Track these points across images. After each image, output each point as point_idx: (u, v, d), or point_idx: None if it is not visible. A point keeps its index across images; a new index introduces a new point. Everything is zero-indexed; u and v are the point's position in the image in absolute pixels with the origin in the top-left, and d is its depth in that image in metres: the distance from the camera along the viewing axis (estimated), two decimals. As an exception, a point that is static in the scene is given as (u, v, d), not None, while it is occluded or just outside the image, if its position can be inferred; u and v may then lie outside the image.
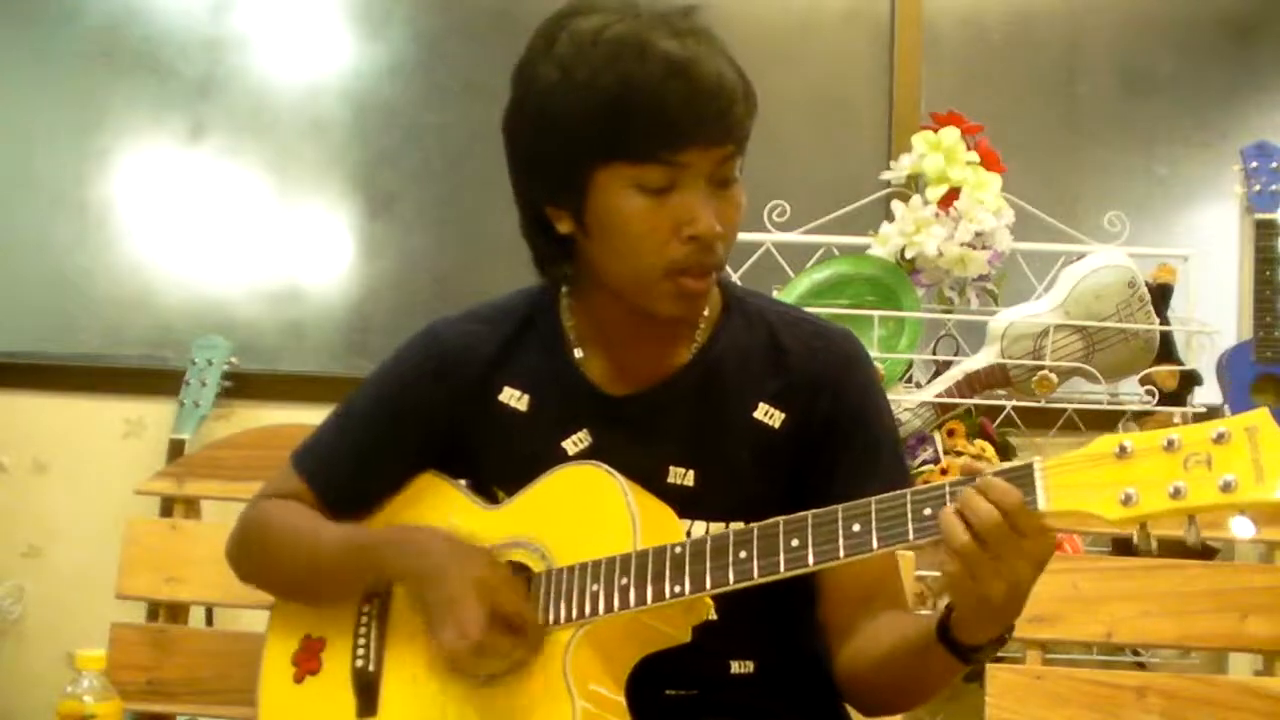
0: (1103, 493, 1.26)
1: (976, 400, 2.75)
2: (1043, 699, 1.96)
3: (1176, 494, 1.22)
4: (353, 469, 1.68)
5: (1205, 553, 2.58)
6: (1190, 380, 2.88)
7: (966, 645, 1.40)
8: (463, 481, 1.68)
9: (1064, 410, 2.83)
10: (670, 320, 1.56)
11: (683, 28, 1.48)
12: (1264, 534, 2.04)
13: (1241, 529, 1.22)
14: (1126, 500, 1.24)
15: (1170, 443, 1.24)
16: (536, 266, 1.63)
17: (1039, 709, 1.95)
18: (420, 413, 1.66)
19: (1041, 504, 1.28)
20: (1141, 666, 2.72)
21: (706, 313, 1.63)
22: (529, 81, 1.52)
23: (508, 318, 1.67)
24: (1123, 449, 1.26)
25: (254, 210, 3.42)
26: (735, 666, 1.60)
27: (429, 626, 1.51)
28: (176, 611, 2.16)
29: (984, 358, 2.74)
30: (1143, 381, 2.81)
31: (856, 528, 1.36)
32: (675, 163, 1.46)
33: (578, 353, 1.63)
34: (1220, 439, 1.22)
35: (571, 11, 1.52)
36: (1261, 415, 1.23)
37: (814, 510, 1.40)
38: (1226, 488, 1.21)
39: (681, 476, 1.58)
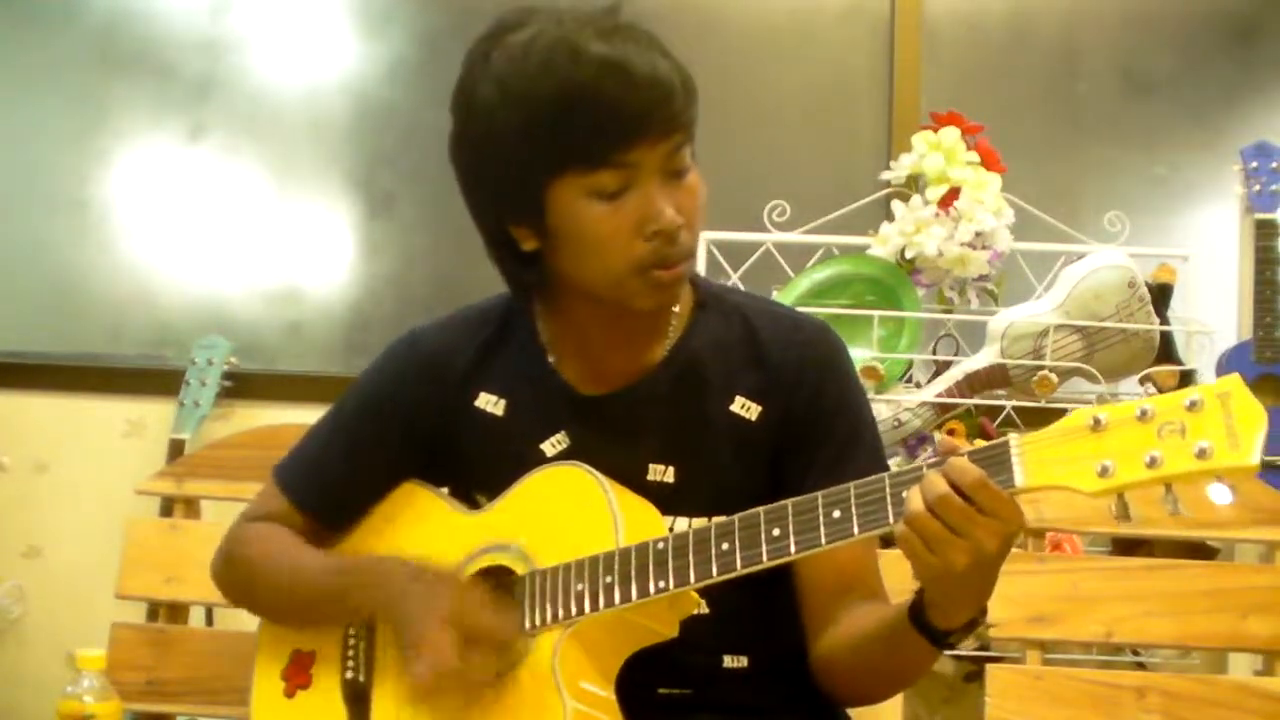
0: (1079, 466, 1.26)
1: (976, 400, 2.75)
2: (1043, 699, 1.96)
3: (1152, 463, 1.23)
4: (335, 480, 1.68)
5: (1205, 552, 2.58)
6: (1190, 380, 2.88)
7: (939, 628, 1.40)
8: (444, 490, 1.68)
9: (1064, 410, 2.81)
10: (646, 315, 1.57)
11: (609, 27, 1.48)
12: (1264, 534, 2.04)
13: (1219, 495, 1.22)
14: (1103, 472, 1.25)
15: (1144, 413, 1.24)
16: (506, 283, 1.63)
17: (1039, 709, 1.95)
18: (401, 419, 1.66)
19: (1019, 480, 1.29)
20: (1141, 666, 2.72)
21: (679, 309, 1.63)
22: (469, 105, 1.52)
23: (484, 323, 1.68)
24: (1097, 421, 1.26)
25: (254, 210, 3.42)
26: (728, 661, 1.60)
27: (407, 665, 1.51)
28: (176, 611, 2.16)
29: (984, 358, 2.74)
30: (1143, 381, 2.81)
31: (837, 514, 1.37)
32: (625, 163, 1.47)
33: (552, 356, 1.63)
34: (1193, 406, 1.23)
35: (500, 29, 1.51)
36: (1233, 381, 1.23)
37: (794, 499, 1.40)
38: (1202, 454, 1.21)
39: (661, 473, 1.59)
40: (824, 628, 1.58)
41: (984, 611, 1.41)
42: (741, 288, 2.62)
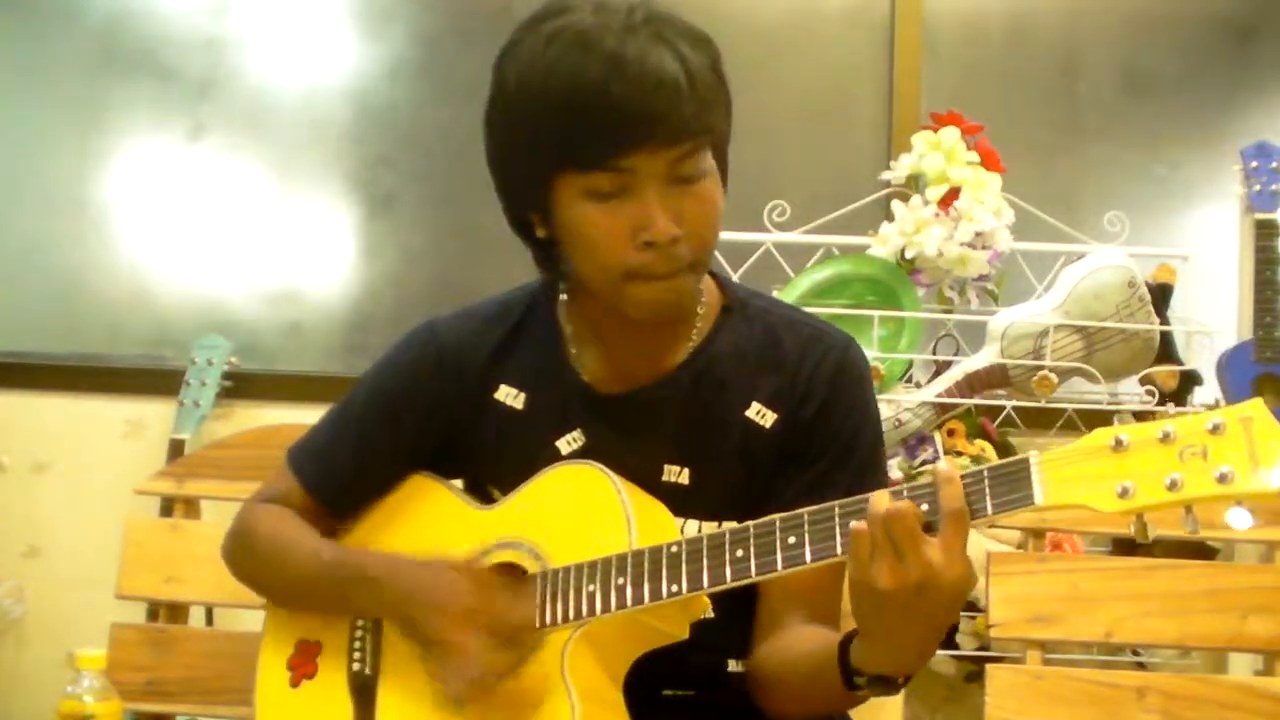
0: (1099, 486, 1.26)
1: (976, 400, 2.75)
2: (1043, 699, 1.96)
3: (1173, 486, 1.22)
4: (347, 466, 1.68)
5: (1205, 553, 2.59)
6: (1190, 380, 2.89)
7: (854, 666, 1.39)
8: (457, 482, 1.68)
9: (1064, 410, 2.83)
10: (653, 322, 1.56)
11: (632, 24, 1.44)
12: (1264, 534, 2.04)
13: (1238, 520, 1.22)
14: (1123, 493, 1.24)
15: (1166, 434, 1.24)
16: (536, 264, 1.63)
17: (1039, 709, 1.95)
18: (417, 409, 1.66)
19: (1039, 498, 1.28)
20: (1141, 666, 2.72)
21: (703, 311, 1.62)
22: (499, 82, 1.52)
23: (505, 316, 1.67)
24: (1118, 442, 1.26)
25: (254, 210, 3.42)
26: (733, 665, 1.60)
27: (430, 668, 1.51)
28: (176, 611, 2.16)
29: (984, 358, 2.74)
30: (1143, 381, 2.81)
31: (854, 524, 1.35)
32: (622, 168, 1.44)
33: (573, 351, 1.63)
34: (1216, 430, 1.22)
35: (540, 15, 1.50)
36: (1256, 406, 1.22)
37: (809, 507, 1.39)
38: (1223, 479, 1.20)
39: (676, 475, 1.58)
40: (771, 632, 1.58)
41: (905, 679, 1.39)
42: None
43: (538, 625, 1.49)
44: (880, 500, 1.31)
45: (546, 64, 1.45)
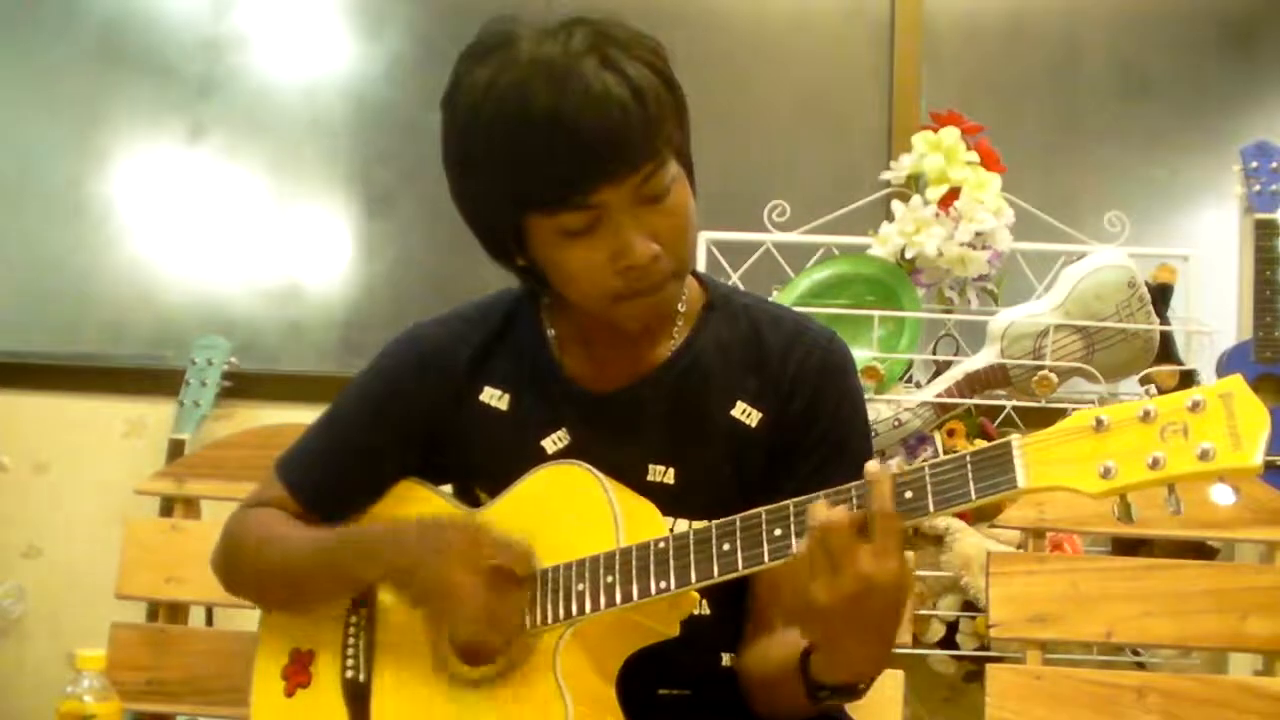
0: (1082, 467, 1.26)
1: (976, 400, 2.75)
2: (1043, 699, 1.96)
3: (1155, 464, 1.22)
4: (336, 473, 1.68)
5: (1205, 553, 2.58)
6: (1190, 380, 2.88)
7: (813, 676, 1.40)
8: (446, 488, 1.68)
9: (1064, 410, 2.82)
10: (640, 328, 1.57)
11: (567, 53, 1.42)
12: (1264, 534, 2.04)
13: (1222, 496, 1.22)
14: (1105, 473, 1.24)
15: (1146, 413, 1.24)
16: (518, 280, 1.64)
17: (1039, 709, 1.95)
18: (403, 413, 1.66)
19: (1021, 481, 1.28)
20: (1141, 666, 2.72)
21: (685, 309, 1.63)
22: (449, 125, 1.51)
23: (489, 318, 1.68)
24: (1099, 422, 1.26)
25: (253, 210, 3.42)
26: (727, 660, 1.61)
27: (431, 621, 1.51)
28: (176, 611, 2.16)
29: (984, 358, 2.73)
30: (1143, 381, 2.81)
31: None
32: (590, 205, 1.44)
33: (557, 351, 1.63)
34: (1196, 407, 1.22)
35: (474, 53, 1.49)
36: (1236, 382, 1.22)
37: (795, 499, 1.39)
38: (1204, 456, 1.20)
39: (661, 474, 1.59)
40: (754, 635, 1.58)
41: (865, 685, 1.40)
42: (741, 288, 2.62)
43: (529, 625, 1.49)
44: (816, 513, 1.32)
45: (494, 107, 1.44)
